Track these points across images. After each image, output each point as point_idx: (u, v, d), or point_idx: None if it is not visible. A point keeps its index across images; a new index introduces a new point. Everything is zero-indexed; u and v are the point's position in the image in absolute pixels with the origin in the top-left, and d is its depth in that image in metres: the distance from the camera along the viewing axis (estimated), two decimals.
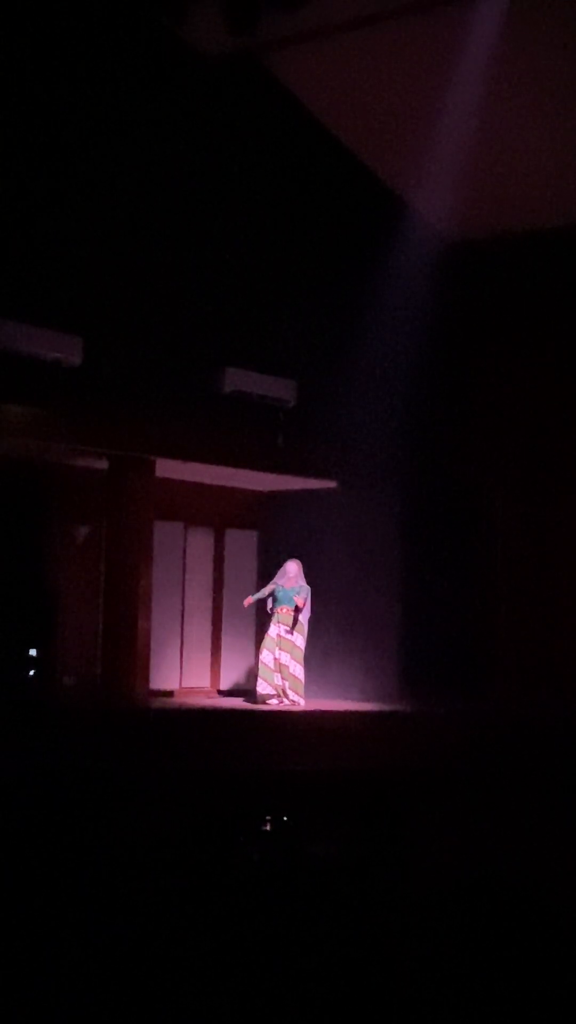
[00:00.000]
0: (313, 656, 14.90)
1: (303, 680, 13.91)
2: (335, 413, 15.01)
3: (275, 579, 14.13)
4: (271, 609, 14.03)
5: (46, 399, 12.73)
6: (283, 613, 13.95)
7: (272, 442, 14.68)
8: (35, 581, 13.99)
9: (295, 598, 13.89)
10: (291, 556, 14.57)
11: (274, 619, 14.00)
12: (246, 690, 14.94)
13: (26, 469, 13.98)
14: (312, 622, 14.51)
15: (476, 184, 14.30)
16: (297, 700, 13.81)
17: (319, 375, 14.90)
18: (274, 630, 13.94)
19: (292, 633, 13.90)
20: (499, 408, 15.62)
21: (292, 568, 14.13)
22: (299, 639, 13.95)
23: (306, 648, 14.16)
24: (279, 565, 14.75)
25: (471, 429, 15.69)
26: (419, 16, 12.53)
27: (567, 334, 15.22)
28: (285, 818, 5.04)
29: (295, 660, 13.89)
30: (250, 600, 14.40)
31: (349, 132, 14.54)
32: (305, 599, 13.99)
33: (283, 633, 13.89)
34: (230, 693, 15.38)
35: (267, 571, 15.20)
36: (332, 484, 15.40)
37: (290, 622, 13.92)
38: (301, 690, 13.85)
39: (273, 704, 13.74)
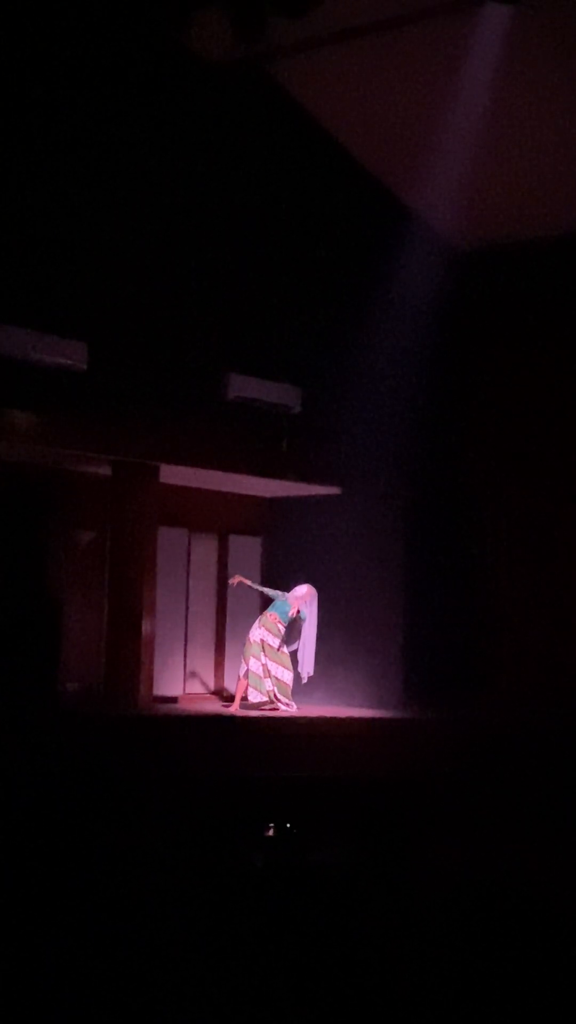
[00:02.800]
0: (317, 662, 14.90)
1: (290, 684, 13.97)
2: (339, 419, 15.02)
3: (287, 593, 14.17)
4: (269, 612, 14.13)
5: (50, 405, 12.74)
6: (271, 620, 14.00)
7: (276, 448, 14.68)
8: (38, 587, 13.99)
9: (278, 617, 13.95)
10: (296, 562, 14.64)
11: (260, 621, 14.04)
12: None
13: (30, 475, 13.99)
14: (316, 628, 14.58)
15: (482, 191, 14.32)
16: (287, 703, 13.86)
17: (323, 381, 14.91)
18: (257, 634, 13.97)
19: (277, 641, 13.96)
20: (503, 415, 15.63)
21: (301, 590, 14.19)
22: (284, 647, 14.02)
23: (306, 655, 14.30)
24: (283, 571, 14.76)
25: (475, 436, 15.69)
26: (425, 24, 12.55)
27: (572, 342, 15.22)
28: (288, 824, 5.04)
29: (281, 665, 13.98)
30: (244, 581, 14.40)
31: (355, 140, 14.55)
32: (290, 620, 14.04)
33: (266, 638, 13.94)
34: (230, 698, 15.39)
35: (271, 577, 15.20)
36: (336, 490, 15.40)
37: (275, 631, 13.96)
38: (288, 693, 13.91)
39: (265, 710, 13.79)
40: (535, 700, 14.55)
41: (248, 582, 14.55)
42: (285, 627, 14.07)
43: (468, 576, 15.42)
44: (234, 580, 14.60)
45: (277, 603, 14.13)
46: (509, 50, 12.55)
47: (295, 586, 14.29)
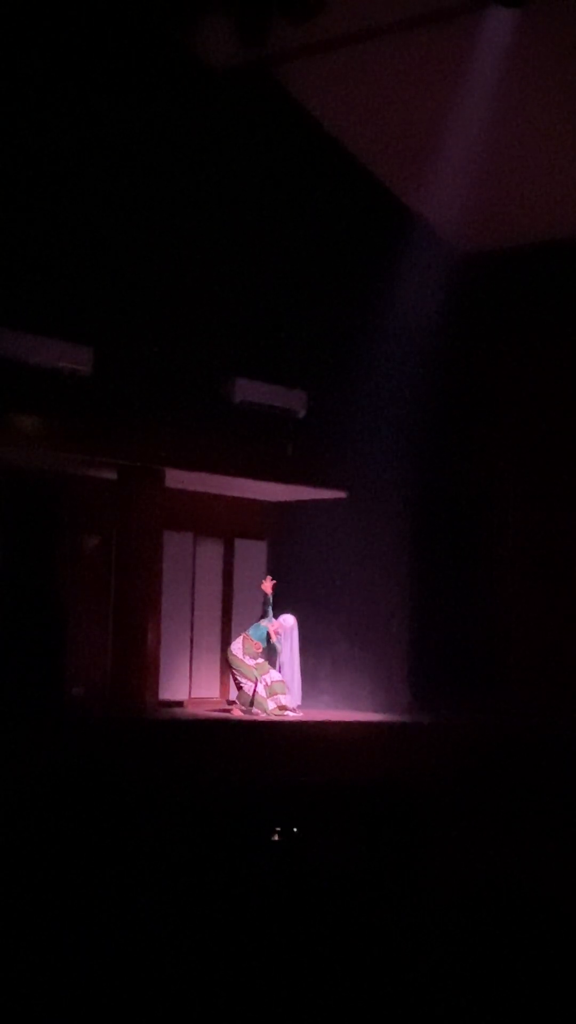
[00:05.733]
0: (322, 666, 14.91)
1: (284, 679, 13.94)
2: (345, 423, 15.02)
3: (275, 619, 14.12)
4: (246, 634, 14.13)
5: (56, 409, 12.75)
6: (254, 648, 13.96)
7: (281, 452, 14.69)
8: (45, 591, 13.99)
9: (260, 644, 13.98)
10: (301, 567, 14.67)
11: (243, 648, 13.95)
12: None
13: (36, 479, 14.00)
14: (321, 632, 14.59)
15: (486, 195, 14.32)
16: (293, 708, 13.85)
17: (329, 385, 14.91)
18: (248, 660, 13.94)
19: (260, 659, 13.98)
20: (508, 418, 15.62)
21: (289, 622, 14.15)
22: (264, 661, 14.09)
23: (314, 658, 14.32)
24: (289, 575, 14.75)
25: (480, 439, 15.69)
26: (429, 28, 12.56)
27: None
28: (295, 829, 5.03)
29: (273, 669, 13.98)
30: (269, 587, 14.31)
31: (359, 143, 14.57)
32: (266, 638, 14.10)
33: (260, 662, 13.94)
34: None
35: (276, 581, 15.18)
36: (341, 494, 15.40)
37: (255, 655, 13.93)
38: (285, 688, 13.89)
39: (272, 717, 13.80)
40: (541, 704, 14.54)
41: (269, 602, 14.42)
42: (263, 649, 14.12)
43: (474, 580, 15.41)
44: (268, 585, 14.36)
45: (260, 628, 14.06)
46: (513, 54, 12.55)
47: (284, 614, 14.27)
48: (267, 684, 13.87)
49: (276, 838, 4.95)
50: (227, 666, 14.45)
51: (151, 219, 13.38)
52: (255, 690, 13.81)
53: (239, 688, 14.02)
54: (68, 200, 12.81)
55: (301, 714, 13.94)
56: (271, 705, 13.79)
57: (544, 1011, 3.09)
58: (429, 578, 15.45)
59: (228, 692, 15.60)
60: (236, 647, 14.04)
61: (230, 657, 14.08)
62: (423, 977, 3.28)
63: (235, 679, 14.10)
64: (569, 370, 15.26)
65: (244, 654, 13.94)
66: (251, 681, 13.85)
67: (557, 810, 10.63)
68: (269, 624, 14.05)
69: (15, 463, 13.49)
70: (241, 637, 14.13)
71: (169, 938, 3.73)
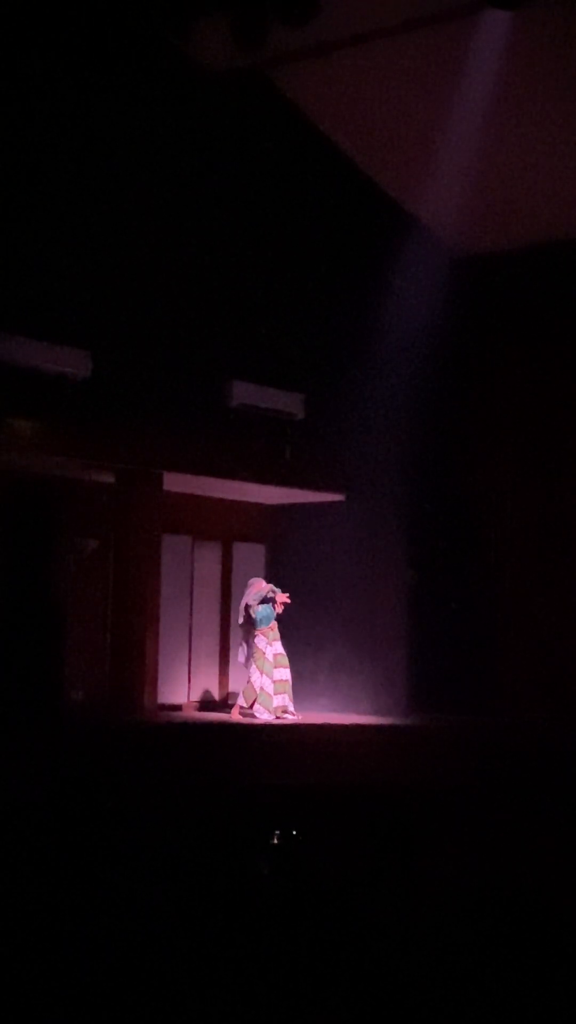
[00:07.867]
0: (322, 670, 14.90)
1: (290, 681, 13.89)
2: (343, 426, 15.03)
3: (252, 596, 14.00)
4: (256, 629, 13.87)
5: (54, 413, 12.75)
6: (271, 631, 13.86)
7: (280, 455, 14.69)
8: (43, 595, 13.99)
9: (274, 623, 13.84)
10: (300, 570, 14.63)
11: (267, 637, 13.82)
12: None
13: (34, 483, 14.00)
14: (320, 635, 14.55)
15: (483, 197, 14.33)
16: (291, 707, 13.79)
17: (326, 388, 14.92)
18: (270, 649, 13.78)
19: (279, 644, 13.85)
20: (506, 422, 15.63)
21: (268, 587, 14.02)
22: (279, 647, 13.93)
23: (313, 661, 14.25)
24: (287, 578, 14.73)
25: (478, 443, 15.69)
26: (425, 31, 12.56)
27: (574, 347, 15.23)
28: (294, 832, 5.03)
29: (284, 667, 13.88)
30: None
31: (356, 146, 14.58)
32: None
33: (276, 649, 13.81)
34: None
35: (274, 584, 15.18)
36: (340, 497, 15.40)
37: (277, 636, 13.84)
38: (289, 689, 13.81)
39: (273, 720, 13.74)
40: (540, 706, 14.54)
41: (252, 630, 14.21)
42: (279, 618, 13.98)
43: (473, 582, 15.41)
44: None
45: (267, 612, 13.90)
46: (509, 56, 12.57)
47: (254, 590, 14.06)
48: (275, 680, 13.80)
49: (275, 841, 4.95)
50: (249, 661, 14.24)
51: (148, 222, 13.38)
52: (261, 686, 13.73)
53: (247, 681, 13.88)
54: (65, 203, 12.81)
55: (300, 717, 13.93)
56: (276, 701, 13.74)
57: (544, 1011, 3.09)
58: (427, 580, 15.44)
59: (228, 695, 15.61)
60: (261, 642, 13.84)
61: (255, 651, 13.83)
62: (422, 977, 3.28)
63: (249, 675, 13.95)
64: (567, 372, 15.27)
65: (267, 644, 13.82)
66: (260, 673, 13.71)
67: (556, 812, 10.62)
68: (257, 598, 13.92)
69: (13, 467, 13.48)
70: (256, 633, 13.89)
71: (169, 939, 3.73)
